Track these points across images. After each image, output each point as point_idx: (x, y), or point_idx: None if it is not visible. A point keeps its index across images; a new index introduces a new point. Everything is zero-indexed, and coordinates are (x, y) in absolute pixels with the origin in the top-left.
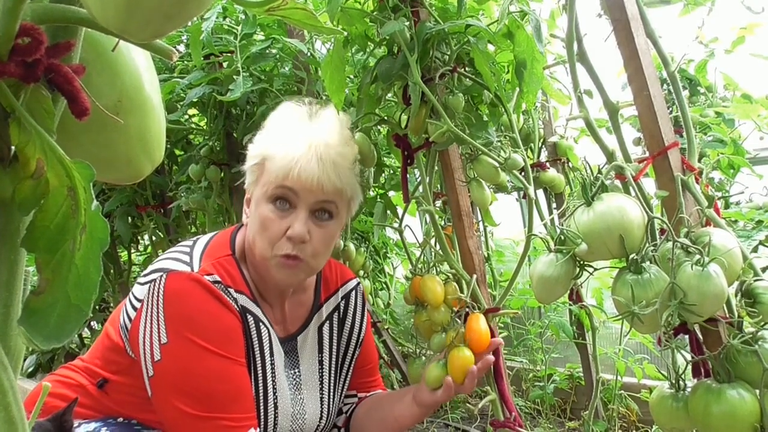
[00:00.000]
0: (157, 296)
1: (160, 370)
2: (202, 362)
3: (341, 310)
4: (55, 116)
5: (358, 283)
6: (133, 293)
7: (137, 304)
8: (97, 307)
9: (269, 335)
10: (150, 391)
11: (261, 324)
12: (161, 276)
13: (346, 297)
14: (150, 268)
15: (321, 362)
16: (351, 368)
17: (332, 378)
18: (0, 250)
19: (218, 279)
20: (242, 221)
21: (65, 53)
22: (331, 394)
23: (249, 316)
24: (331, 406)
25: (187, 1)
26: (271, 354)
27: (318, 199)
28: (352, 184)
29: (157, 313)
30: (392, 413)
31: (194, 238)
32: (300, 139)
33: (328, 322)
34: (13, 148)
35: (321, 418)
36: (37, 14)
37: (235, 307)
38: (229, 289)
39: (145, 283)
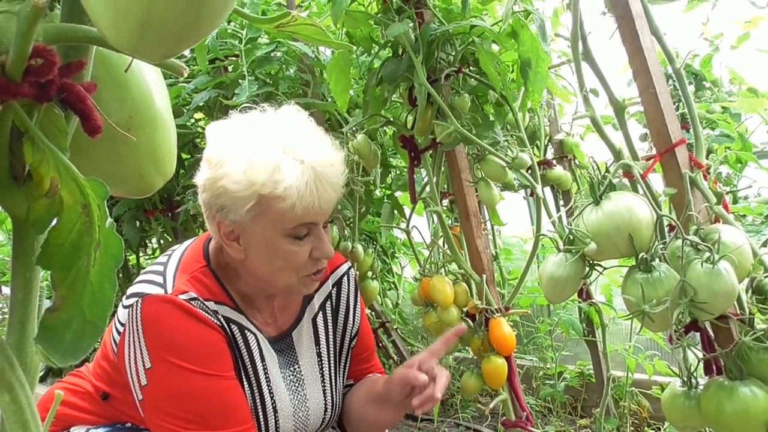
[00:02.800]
0: (136, 323)
1: (148, 394)
2: (187, 383)
3: (333, 299)
4: (67, 135)
5: (350, 268)
6: (117, 316)
7: (120, 328)
8: None
9: (257, 341)
10: (142, 412)
11: (247, 331)
12: (137, 301)
13: (338, 284)
14: (129, 290)
15: (320, 354)
16: (349, 356)
17: (332, 369)
18: (15, 268)
19: (194, 295)
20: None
21: (77, 72)
22: (333, 385)
23: (233, 326)
24: (334, 397)
25: (198, 22)
26: (263, 359)
27: (327, 215)
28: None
29: (138, 339)
30: (370, 413)
31: (168, 253)
32: (300, 167)
33: (321, 312)
34: (27, 166)
35: (326, 411)
36: (50, 35)
37: (216, 320)
38: (207, 303)
39: (126, 307)
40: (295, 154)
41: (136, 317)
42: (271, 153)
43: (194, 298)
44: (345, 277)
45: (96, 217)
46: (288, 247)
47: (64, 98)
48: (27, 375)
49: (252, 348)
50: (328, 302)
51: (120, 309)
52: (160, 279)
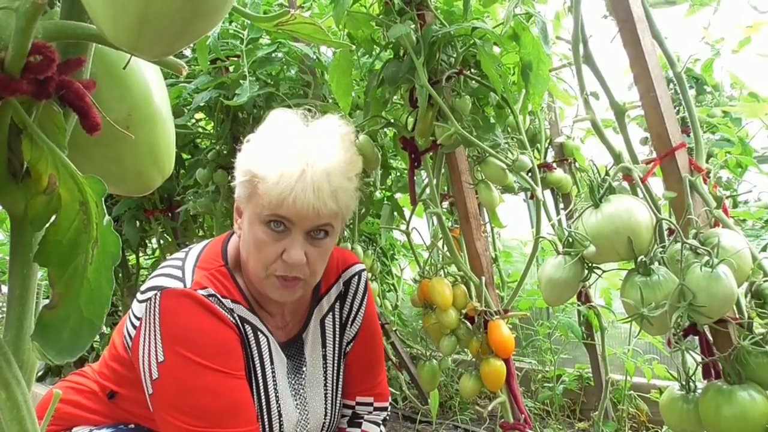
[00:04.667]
0: (154, 315)
1: (159, 388)
2: (198, 378)
3: (342, 299)
4: (66, 132)
5: (362, 270)
6: (132, 311)
7: (136, 323)
8: None
9: (268, 343)
10: (151, 407)
11: (259, 333)
12: (156, 294)
13: (347, 283)
14: (146, 284)
15: (325, 357)
16: (343, 360)
17: (336, 372)
18: (13, 265)
19: (212, 292)
20: (233, 230)
21: (76, 69)
22: (335, 389)
23: (246, 326)
24: (335, 401)
25: (197, 19)
26: (272, 362)
27: (314, 225)
28: (349, 203)
29: (154, 332)
30: None
31: (186, 249)
32: (294, 161)
33: (330, 313)
34: (25, 163)
35: (325, 416)
36: (49, 31)
37: (231, 318)
38: (224, 300)
39: (143, 301)
40: (297, 148)
41: (154, 310)
42: (277, 142)
43: (212, 295)
44: (355, 278)
45: (94, 215)
46: (261, 235)
47: (62, 95)
48: (24, 372)
49: (263, 350)
50: (338, 303)
51: (135, 304)
52: (179, 273)
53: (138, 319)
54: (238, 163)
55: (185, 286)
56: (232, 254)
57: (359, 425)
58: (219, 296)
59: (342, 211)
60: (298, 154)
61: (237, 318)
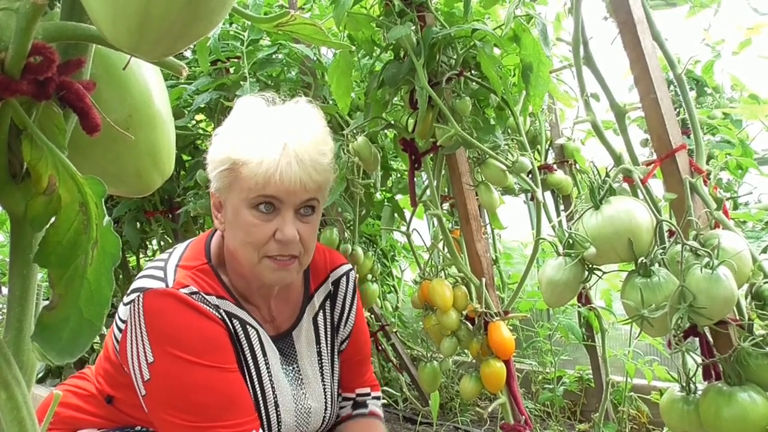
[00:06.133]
0: (138, 317)
1: (151, 389)
2: (190, 375)
3: (331, 298)
4: (66, 133)
5: (350, 270)
6: (118, 314)
7: (122, 326)
8: None
9: (258, 336)
10: (146, 408)
11: (248, 326)
12: (138, 296)
13: (336, 283)
14: (131, 287)
15: (320, 353)
16: (337, 358)
17: (331, 368)
18: (13, 266)
19: (195, 289)
20: (215, 227)
21: (76, 70)
22: (332, 383)
23: (234, 320)
24: (334, 396)
25: (197, 20)
26: (264, 354)
27: (302, 200)
28: (329, 176)
29: (140, 333)
30: None
31: (169, 250)
32: (274, 140)
33: (321, 311)
34: (25, 164)
35: (325, 410)
36: (49, 32)
37: (217, 314)
38: (208, 297)
39: (127, 304)
40: (273, 128)
41: (138, 312)
42: (252, 125)
43: (195, 292)
44: (344, 278)
45: (93, 216)
46: (250, 218)
47: (62, 96)
48: (24, 373)
49: (253, 343)
50: (328, 301)
51: (121, 307)
52: (161, 273)
53: (123, 322)
54: (212, 155)
55: (167, 286)
56: (215, 251)
57: (365, 405)
58: (203, 293)
59: (324, 184)
60: (274, 132)
61: (223, 313)
